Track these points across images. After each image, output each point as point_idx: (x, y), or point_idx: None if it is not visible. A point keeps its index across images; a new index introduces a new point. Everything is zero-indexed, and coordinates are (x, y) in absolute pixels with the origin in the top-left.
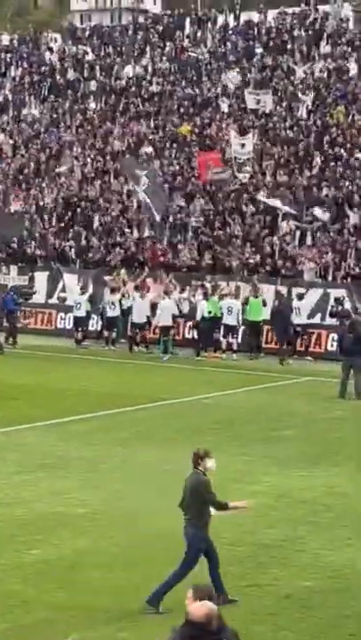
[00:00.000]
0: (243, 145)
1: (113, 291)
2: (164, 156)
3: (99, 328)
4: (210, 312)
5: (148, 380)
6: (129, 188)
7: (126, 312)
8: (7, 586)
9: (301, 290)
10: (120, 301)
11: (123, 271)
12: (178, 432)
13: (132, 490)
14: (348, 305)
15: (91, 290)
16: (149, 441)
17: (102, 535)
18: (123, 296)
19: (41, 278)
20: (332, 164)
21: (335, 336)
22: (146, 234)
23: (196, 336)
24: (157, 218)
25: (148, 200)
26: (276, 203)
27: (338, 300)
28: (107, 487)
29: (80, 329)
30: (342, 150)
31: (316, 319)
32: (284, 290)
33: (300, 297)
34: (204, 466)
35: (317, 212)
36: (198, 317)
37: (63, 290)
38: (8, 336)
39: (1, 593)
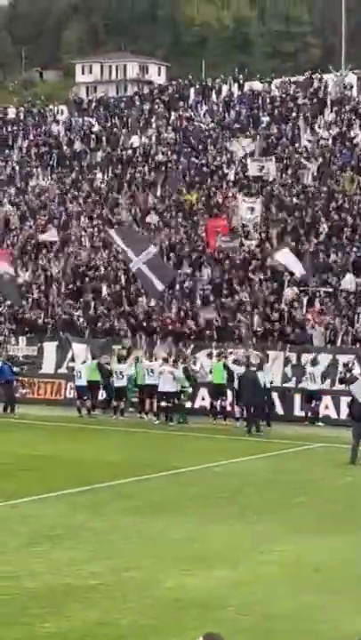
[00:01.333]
0: (251, 209)
1: (120, 360)
2: (171, 225)
3: (107, 397)
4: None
5: (158, 449)
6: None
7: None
8: None
9: (312, 355)
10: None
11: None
12: (190, 500)
13: (143, 560)
14: (356, 370)
15: (100, 359)
16: (161, 510)
17: (113, 607)
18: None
19: (50, 348)
20: (339, 230)
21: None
22: (153, 302)
23: (266, 409)
24: (160, 288)
25: (150, 272)
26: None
27: (346, 366)
28: (117, 558)
29: (84, 398)
30: (349, 217)
31: (326, 385)
32: (246, 355)
33: (314, 363)
34: None
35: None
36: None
37: (72, 359)
38: (6, 406)
39: None
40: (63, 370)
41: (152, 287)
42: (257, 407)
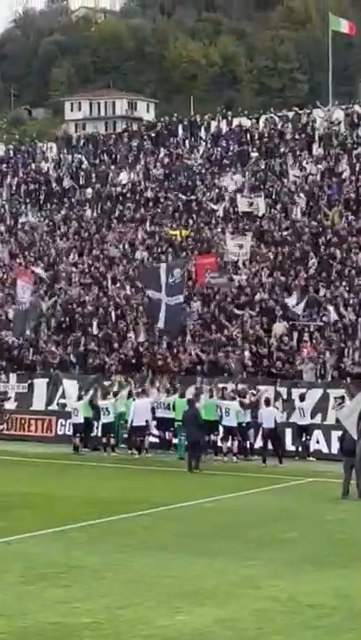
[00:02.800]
0: (240, 246)
1: (105, 396)
2: (160, 261)
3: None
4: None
5: (148, 485)
6: (126, 292)
7: (120, 417)
8: None
9: (302, 390)
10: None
11: (118, 377)
12: (181, 537)
13: (135, 598)
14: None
15: (89, 395)
16: (153, 547)
17: None
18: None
19: (40, 385)
20: (328, 264)
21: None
22: (142, 338)
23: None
24: (160, 326)
25: (163, 313)
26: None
27: (337, 399)
28: (110, 596)
29: (79, 435)
30: (338, 251)
31: (317, 419)
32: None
33: (302, 398)
34: None
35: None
36: (270, 425)
37: (63, 396)
38: None
39: None
40: (54, 407)
41: (155, 318)
42: (197, 444)
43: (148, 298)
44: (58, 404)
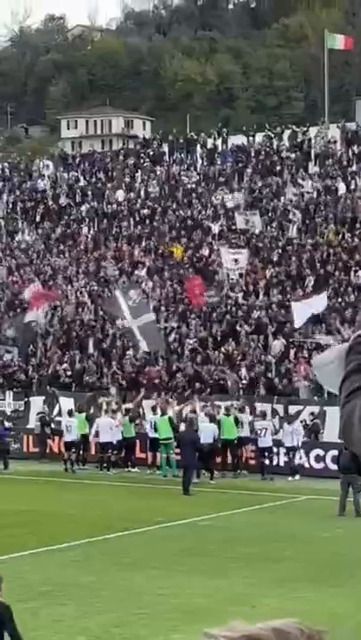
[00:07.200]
0: (236, 260)
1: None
2: (157, 279)
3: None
4: None
5: (144, 503)
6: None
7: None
8: None
9: (299, 407)
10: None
11: (114, 392)
12: (176, 555)
13: (131, 616)
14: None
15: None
16: (148, 565)
17: None
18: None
19: (37, 403)
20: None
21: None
22: (140, 355)
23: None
24: (145, 349)
25: (140, 336)
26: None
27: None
28: (106, 613)
29: (73, 452)
30: (334, 269)
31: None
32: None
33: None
34: None
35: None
36: (208, 440)
37: (59, 414)
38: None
39: None
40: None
41: (136, 346)
42: (190, 467)
43: (119, 328)
44: (53, 422)
